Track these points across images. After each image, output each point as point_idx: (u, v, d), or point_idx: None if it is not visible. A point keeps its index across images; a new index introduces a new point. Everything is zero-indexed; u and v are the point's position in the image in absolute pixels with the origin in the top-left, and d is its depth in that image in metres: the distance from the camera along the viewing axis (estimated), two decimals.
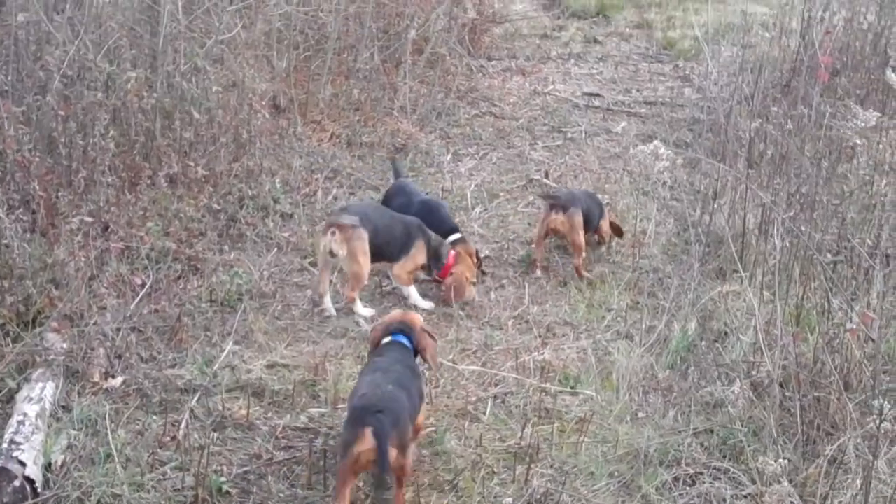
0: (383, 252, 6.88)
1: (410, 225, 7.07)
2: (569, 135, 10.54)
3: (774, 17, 12.14)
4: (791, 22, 11.20)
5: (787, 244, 6.66)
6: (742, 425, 5.55)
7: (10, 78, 7.22)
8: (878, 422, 4.94)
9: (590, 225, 7.73)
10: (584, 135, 10.55)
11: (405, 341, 5.32)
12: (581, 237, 7.51)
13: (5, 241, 6.07)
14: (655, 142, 9.67)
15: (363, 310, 6.85)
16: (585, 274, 7.53)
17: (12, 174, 6.54)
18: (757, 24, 12.51)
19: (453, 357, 6.38)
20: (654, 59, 13.56)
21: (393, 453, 4.61)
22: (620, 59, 13.49)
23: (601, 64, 13.32)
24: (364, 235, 6.67)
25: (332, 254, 6.65)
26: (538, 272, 7.59)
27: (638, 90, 12.22)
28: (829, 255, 6.38)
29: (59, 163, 6.95)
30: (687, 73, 12.76)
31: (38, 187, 6.55)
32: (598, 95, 11.93)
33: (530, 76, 12.45)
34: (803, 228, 6.58)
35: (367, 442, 4.59)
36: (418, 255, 7.04)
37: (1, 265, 6.04)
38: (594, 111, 11.38)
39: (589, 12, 15.40)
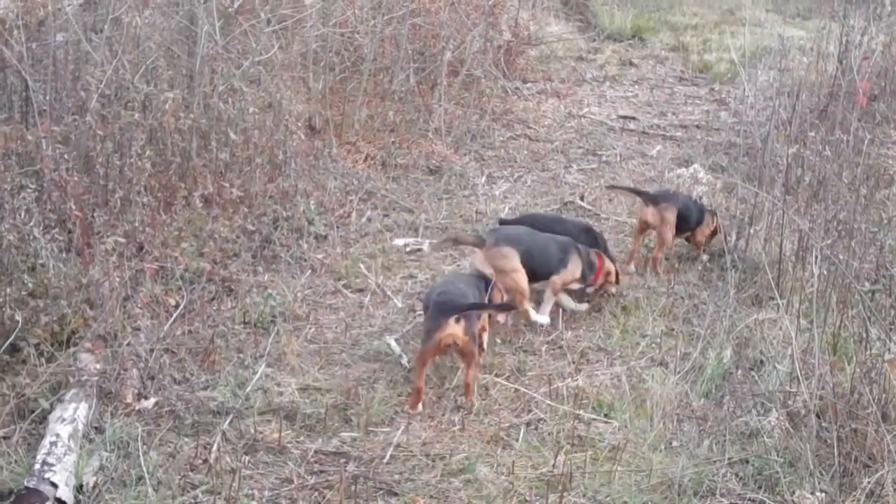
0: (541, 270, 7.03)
1: (564, 242, 7.19)
2: (604, 158, 10.51)
3: (812, 42, 12.08)
4: (828, 46, 11.13)
5: (825, 272, 6.59)
6: (778, 456, 5.48)
7: (48, 97, 7.27)
8: None
9: (684, 226, 7.92)
10: (619, 158, 10.52)
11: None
12: (669, 232, 7.81)
13: (41, 261, 6.10)
14: (695, 165, 9.60)
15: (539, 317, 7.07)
16: (659, 270, 7.84)
17: (49, 194, 6.56)
18: (794, 48, 12.45)
19: (487, 381, 6.34)
20: (689, 83, 13.52)
21: (466, 339, 5.93)
22: (656, 82, 13.45)
23: (636, 87, 13.29)
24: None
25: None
26: (632, 266, 7.87)
27: (673, 113, 12.18)
28: (867, 284, 6.30)
29: (96, 182, 6.98)
30: (723, 96, 12.71)
31: (74, 207, 6.58)
32: (633, 118, 11.90)
33: (565, 98, 12.43)
34: (841, 256, 6.51)
35: (448, 329, 5.90)
36: (575, 268, 7.17)
37: (36, 284, 6.06)
38: (629, 134, 11.35)
39: (624, 35, 15.36)
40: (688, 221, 7.93)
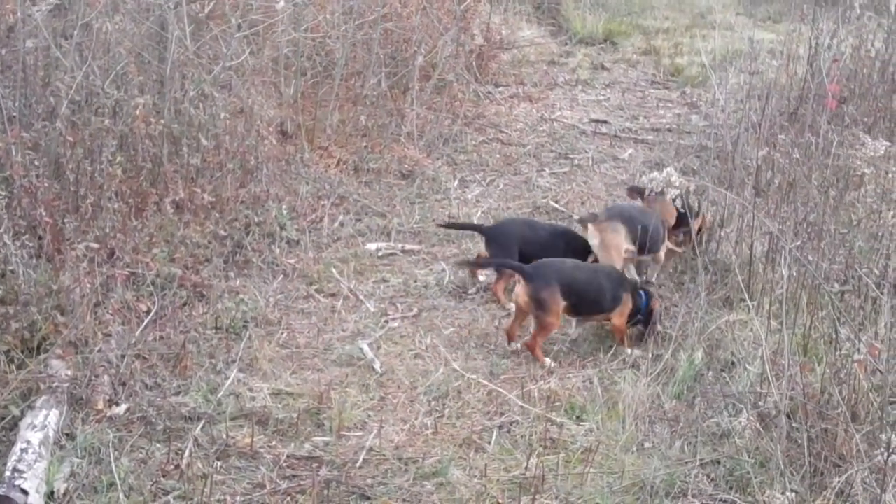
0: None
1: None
2: (576, 161, 10.54)
3: (782, 45, 12.15)
4: (798, 49, 11.20)
5: (795, 273, 6.62)
6: (749, 456, 5.51)
7: (18, 104, 7.23)
8: (885, 455, 4.91)
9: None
10: (591, 161, 10.55)
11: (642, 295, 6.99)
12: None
13: (11, 268, 6.06)
14: (668, 169, 9.62)
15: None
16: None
17: (19, 200, 6.52)
18: (764, 51, 12.51)
19: (460, 385, 6.35)
20: (661, 86, 13.57)
21: (530, 304, 6.60)
22: (627, 86, 13.50)
23: (608, 90, 13.34)
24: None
25: None
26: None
27: (645, 117, 12.23)
28: (836, 285, 6.35)
29: (66, 188, 6.95)
30: (694, 99, 12.76)
31: (44, 213, 6.54)
32: (605, 122, 11.94)
33: (537, 102, 12.46)
34: (811, 258, 6.55)
35: (522, 292, 6.66)
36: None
37: (6, 291, 6.03)
38: (601, 138, 11.38)
39: (596, 39, 15.42)
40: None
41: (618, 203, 8.66)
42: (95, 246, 6.47)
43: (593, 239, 7.53)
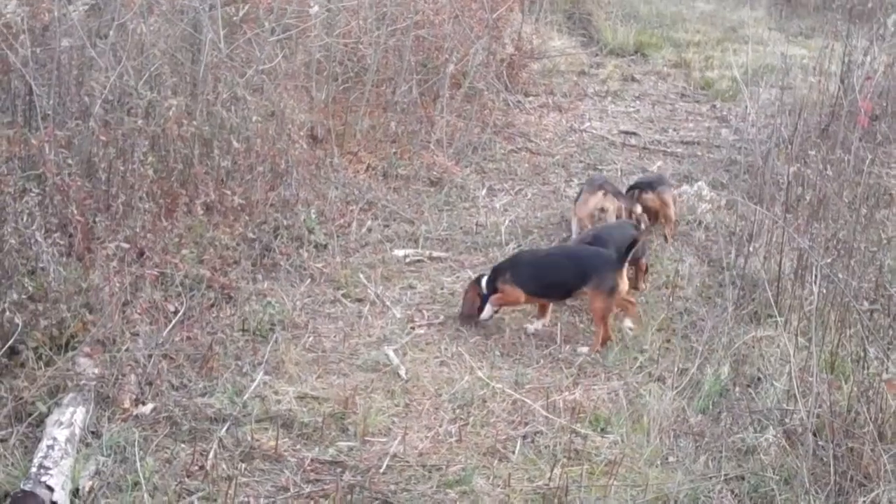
0: None
1: None
2: (604, 173, 10.52)
3: (814, 60, 12.10)
4: (830, 65, 11.16)
5: (824, 290, 6.59)
6: (774, 473, 5.48)
7: (52, 102, 7.27)
8: None
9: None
10: (619, 173, 10.51)
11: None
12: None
13: (41, 265, 6.09)
14: (699, 183, 9.63)
15: None
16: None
17: (51, 198, 6.55)
18: (796, 66, 12.47)
19: (485, 393, 6.34)
20: (691, 99, 13.53)
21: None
22: (657, 98, 13.47)
23: (638, 102, 13.31)
24: None
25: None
26: None
27: (675, 129, 12.20)
28: (865, 303, 6.31)
29: (98, 188, 6.98)
30: (724, 113, 12.73)
31: (76, 212, 6.57)
32: (634, 134, 11.91)
33: (567, 113, 12.45)
34: (840, 275, 6.52)
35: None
36: None
37: (36, 288, 6.06)
38: (630, 149, 11.36)
39: (627, 50, 15.38)
40: None
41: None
42: (126, 245, 6.50)
43: None
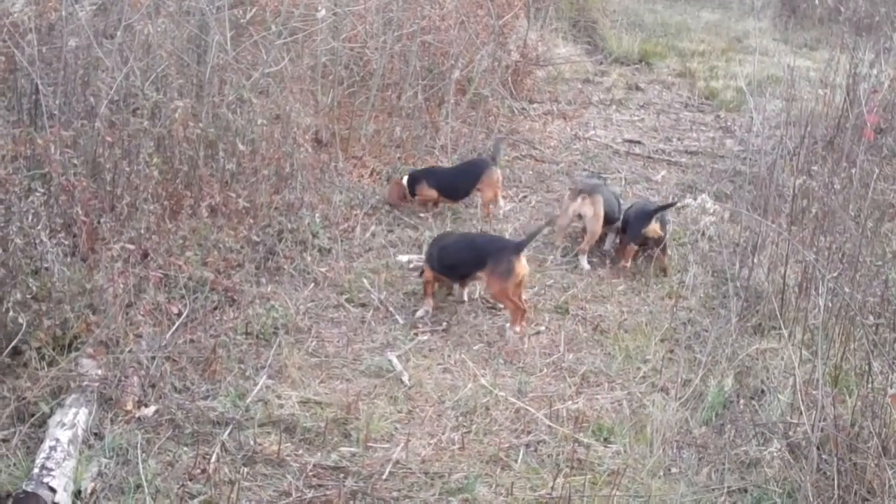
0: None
1: None
2: (608, 181, 10.50)
3: (819, 72, 12.08)
4: (836, 77, 11.14)
5: (829, 303, 6.58)
6: (777, 486, 5.48)
7: (58, 102, 7.26)
8: None
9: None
10: (623, 182, 10.51)
11: None
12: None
13: (46, 265, 6.08)
14: (702, 196, 9.61)
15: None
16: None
17: (56, 198, 6.55)
18: (801, 78, 12.45)
19: (488, 401, 6.33)
20: (695, 109, 13.51)
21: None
22: (662, 107, 13.45)
23: (642, 111, 13.29)
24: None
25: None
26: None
27: (679, 139, 12.18)
28: (871, 317, 6.30)
29: (103, 188, 6.98)
30: (729, 124, 12.71)
31: (80, 212, 6.56)
32: (638, 143, 11.89)
33: (571, 120, 12.43)
34: (846, 288, 6.51)
35: None
36: None
37: (40, 288, 6.04)
38: (634, 158, 11.35)
39: (632, 59, 15.37)
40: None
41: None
42: (130, 246, 6.48)
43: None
